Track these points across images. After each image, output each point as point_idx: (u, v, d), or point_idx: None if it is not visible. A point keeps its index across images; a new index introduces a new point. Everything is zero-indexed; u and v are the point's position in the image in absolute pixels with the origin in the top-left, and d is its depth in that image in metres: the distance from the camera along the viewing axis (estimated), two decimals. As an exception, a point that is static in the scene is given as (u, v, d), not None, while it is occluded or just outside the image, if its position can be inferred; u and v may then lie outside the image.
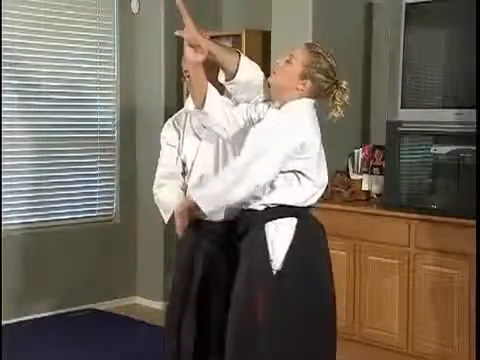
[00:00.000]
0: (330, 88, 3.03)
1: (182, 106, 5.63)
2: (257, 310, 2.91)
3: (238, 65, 3.08)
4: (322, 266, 3.09)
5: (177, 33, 2.99)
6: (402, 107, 4.45)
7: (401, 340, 4.42)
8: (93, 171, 5.74)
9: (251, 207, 2.99)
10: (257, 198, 2.95)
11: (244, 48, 5.25)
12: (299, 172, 2.93)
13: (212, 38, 5.53)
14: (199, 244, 3.36)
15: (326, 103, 3.12)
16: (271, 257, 2.91)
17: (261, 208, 2.97)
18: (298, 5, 4.88)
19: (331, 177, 4.96)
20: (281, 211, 2.95)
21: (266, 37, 5.18)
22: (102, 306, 5.71)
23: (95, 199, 5.77)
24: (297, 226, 2.95)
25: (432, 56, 4.44)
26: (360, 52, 5.17)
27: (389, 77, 4.58)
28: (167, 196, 3.48)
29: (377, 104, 5.13)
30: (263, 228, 2.95)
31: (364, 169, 4.92)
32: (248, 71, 3.12)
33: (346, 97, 3.08)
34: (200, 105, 3.05)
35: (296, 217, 2.96)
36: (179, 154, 3.48)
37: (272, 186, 2.94)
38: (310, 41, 3.17)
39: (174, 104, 5.74)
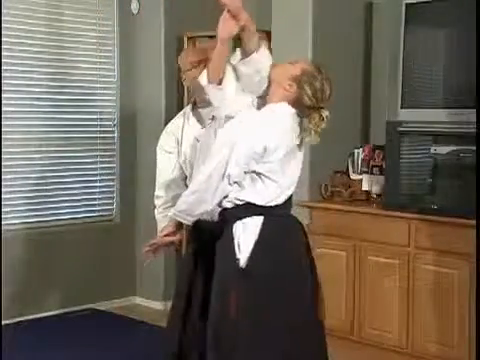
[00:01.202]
0: (311, 108, 3.06)
1: (182, 106, 5.66)
2: (230, 310, 2.95)
3: (259, 49, 3.15)
4: (295, 262, 3.09)
5: None
6: (402, 107, 4.45)
7: (401, 340, 4.42)
8: (93, 171, 5.74)
9: (223, 205, 3.06)
10: (226, 196, 3.03)
11: (244, 48, 5.24)
12: (261, 174, 2.99)
13: (211, 38, 5.57)
14: (201, 245, 3.37)
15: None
16: (238, 256, 2.97)
17: (230, 206, 3.04)
18: (298, 5, 4.88)
19: (331, 177, 4.98)
20: (249, 210, 3.01)
21: (266, 37, 5.16)
22: (102, 306, 5.70)
23: (95, 199, 5.77)
24: (263, 224, 3.00)
25: (432, 56, 4.44)
26: (360, 52, 5.17)
27: (389, 77, 4.58)
28: (159, 213, 3.66)
29: (377, 104, 5.13)
30: (232, 227, 3.02)
31: (364, 169, 4.92)
32: (264, 59, 3.16)
33: (322, 125, 3.11)
34: (216, 81, 3.08)
35: (263, 215, 3.01)
36: (178, 157, 3.51)
37: (240, 185, 3.01)
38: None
39: (174, 104, 5.74)
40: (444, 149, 4.32)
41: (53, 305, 5.46)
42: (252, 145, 2.96)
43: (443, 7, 4.30)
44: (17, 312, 5.24)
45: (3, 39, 5.11)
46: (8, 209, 5.23)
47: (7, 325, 5.06)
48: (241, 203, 3.02)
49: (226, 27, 3.07)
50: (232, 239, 3.01)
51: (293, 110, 3.07)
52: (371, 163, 4.90)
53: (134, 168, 5.91)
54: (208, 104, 3.25)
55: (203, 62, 3.34)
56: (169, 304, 5.60)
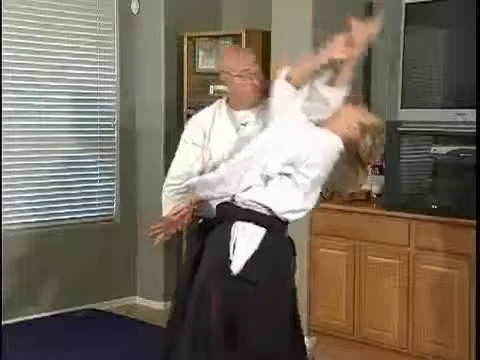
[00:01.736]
0: (358, 158, 3.24)
1: (182, 106, 5.66)
2: (211, 309, 2.94)
3: (344, 87, 3.31)
4: (285, 282, 3.16)
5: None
6: (402, 107, 4.46)
7: (401, 340, 4.42)
8: (93, 171, 5.73)
9: (227, 200, 3.07)
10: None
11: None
12: (295, 181, 3.01)
13: (212, 38, 5.57)
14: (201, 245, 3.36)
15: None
16: (231, 257, 2.96)
17: (237, 203, 3.04)
18: (298, 5, 4.88)
19: (331, 177, 4.97)
20: (255, 215, 3.01)
21: (266, 37, 5.17)
22: (102, 306, 5.70)
23: (95, 199, 5.77)
24: (265, 236, 3.00)
25: (432, 56, 4.44)
26: (360, 52, 5.16)
27: (389, 77, 4.59)
28: (168, 197, 3.55)
29: (377, 104, 5.12)
30: (231, 226, 3.00)
31: (364, 169, 4.91)
32: (339, 96, 3.28)
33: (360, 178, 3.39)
34: (293, 84, 3.15)
35: (266, 228, 3.00)
36: (203, 151, 3.48)
37: (264, 185, 3.02)
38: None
39: (174, 103, 5.74)
40: (444, 149, 4.32)
41: (53, 305, 5.46)
42: (300, 150, 2.99)
43: (443, 7, 4.30)
44: (17, 312, 5.24)
45: (3, 39, 5.11)
46: (8, 209, 5.24)
47: (7, 325, 5.06)
48: (250, 205, 3.01)
49: (337, 50, 3.15)
50: (228, 238, 2.99)
51: (342, 147, 3.10)
52: (371, 163, 4.90)
53: (134, 168, 5.91)
54: (262, 99, 3.35)
55: (251, 73, 3.44)
56: (169, 304, 5.64)
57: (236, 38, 5.37)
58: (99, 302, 5.71)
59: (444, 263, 4.22)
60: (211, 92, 5.58)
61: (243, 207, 3.03)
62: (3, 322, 4.99)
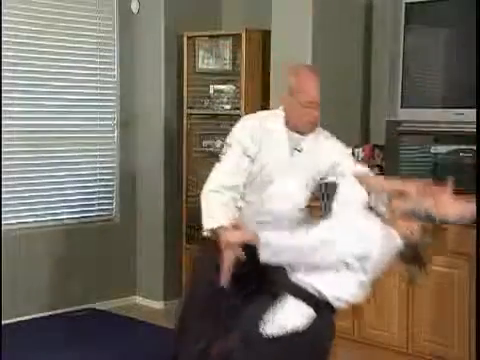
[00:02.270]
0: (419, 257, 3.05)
1: (182, 106, 5.66)
2: None
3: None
4: None
5: None
6: (402, 107, 4.45)
7: (401, 340, 4.41)
8: (93, 171, 5.73)
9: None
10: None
11: (244, 48, 5.25)
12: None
13: (210, 38, 5.55)
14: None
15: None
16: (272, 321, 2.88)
17: (287, 272, 2.94)
18: (298, 5, 4.88)
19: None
20: (305, 294, 2.91)
21: (266, 37, 5.17)
22: (102, 306, 5.70)
23: (94, 199, 5.77)
24: (314, 320, 2.91)
25: (432, 56, 4.43)
26: (360, 51, 5.17)
27: (389, 76, 4.58)
28: (221, 204, 3.25)
29: (377, 104, 5.13)
30: (280, 298, 2.91)
31: (364, 169, 4.91)
32: None
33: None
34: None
35: (315, 311, 2.92)
36: (252, 162, 3.35)
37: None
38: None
39: (174, 103, 5.74)
40: (444, 148, 4.32)
41: (53, 305, 5.46)
42: (373, 245, 2.90)
43: (443, 7, 4.30)
44: (17, 312, 5.24)
45: (4, 39, 5.11)
46: (7, 209, 5.23)
47: (7, 325, 5.06)
48: (300, 282, 2.92)
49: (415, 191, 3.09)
50: (276, 306, 2.91)
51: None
52: (371, 162, 4.89)
53: (134, 168, 5.91)
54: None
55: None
56: (169, 304, 5.65)
57: (236, 38, 5.36)
58: (99, 302, 5.71)
59: (444, 263, 4.21)
60: (211, 92, 5.58)
61: (293, 280, 2.92)
62: (3, 322, 5.00)
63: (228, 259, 2.97)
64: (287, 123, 3.40)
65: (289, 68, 3.48)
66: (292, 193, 3.42)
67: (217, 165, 3.36)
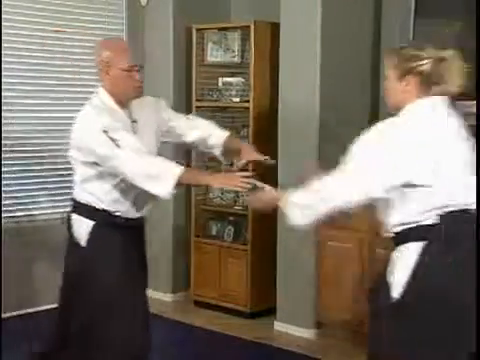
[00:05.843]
0: (434, 66, 2.68)
1: (190, 98, 5.66)
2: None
3: None
4: None
5: None
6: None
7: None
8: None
9: None
10: None
11: (253, 40, 5.24)
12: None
13: (220, 30, 5.54)
14: None
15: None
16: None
17: None
18: (307, -4, 4.87)
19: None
20: None
21: (275, 29, 5.16)
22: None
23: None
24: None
25: (440, 46, 4.40)
26: (369, 43, 5.15)
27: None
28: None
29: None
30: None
31: (373, 161, 4.90)
32: None
33: (457, 65, 2.71)
34: None
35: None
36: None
37: None
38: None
39: (183, 96, 5.74)
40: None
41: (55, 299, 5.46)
42: None
43: (452, -1, 4.29)
44: (21, 305, 5.26)
45: (9, 31, 5.12)
46: (12, 202, 5.25)
47: (12, 317, 5.09)
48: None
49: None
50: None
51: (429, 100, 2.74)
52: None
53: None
54: None
55: None
56: (177, 296, 5.65)
57: (245, 30, 5.35)
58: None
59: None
60: (220, 84, 5.57)
61: None
62: (8, 314, 5.02)
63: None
64: (118, 101, 3.36)
65: (97, 47, 3.50)
66: None
67: (123, 148, 3.22)
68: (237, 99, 5.46)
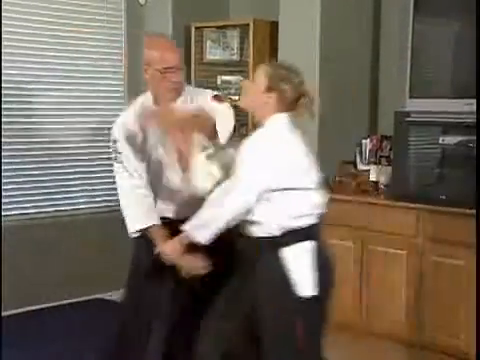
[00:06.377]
0: (296, 98, 3.02)
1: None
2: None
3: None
4: None
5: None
6: (410, 97, 4.43)
7: (409, 331, 4.41)
8: (102, 161, 5.72)
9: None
10: None
11: (251, 38, 5.24)
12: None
13: (219, 28, 5.53)
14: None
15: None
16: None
17: None
18: (306, -5, 4.87)
19: (339, 168, 4.97)
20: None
21: (274, 27, 5.16)
22: (109, 296, 5.71)
23: (102, 189, 5.77)
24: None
25: (441, 45, 4.42)
26: (369, 41, 5.15)
27: (397, 66, 4.57)
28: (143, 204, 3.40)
29: (385, 94, 5.11)
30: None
31: (372, 160, 4.91)
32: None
33: (313, 106, 3.06)
34: None
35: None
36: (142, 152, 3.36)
37: None
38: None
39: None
40: (452, 139, 4.30)
41: (59, 295, 5.47)
42: None
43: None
44: (23, 302, 5.25)
45: (8, 29, 5.11)
46: (13, 199, 5.25)
47: (13, 315, 5.08)
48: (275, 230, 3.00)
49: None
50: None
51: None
52: (379, 153, 4.89)
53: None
54: None
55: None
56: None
57: (244, 28, 5.35)
58: (105, 292, 5.72)
59: (452, 254, 4.21)
60: (219, 82, 5.57)
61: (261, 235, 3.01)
62: (9, 312, 5.02)
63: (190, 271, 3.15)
64: (155, 100, 3.35)
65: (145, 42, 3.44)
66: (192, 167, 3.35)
67: (117, 171, 3.35)
68: (236, 97, 5.45)
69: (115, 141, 3.34)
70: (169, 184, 3.36)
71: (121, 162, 3.32)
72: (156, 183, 3.36)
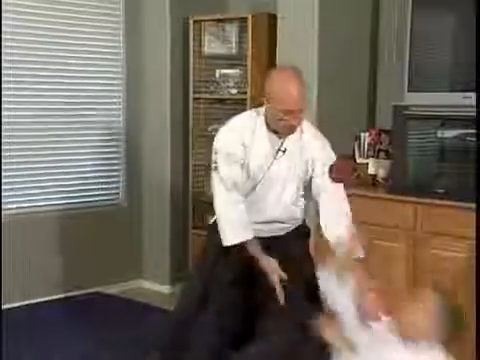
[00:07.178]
0: None
1: (188, 90, 5.65)
2: None
3: None
4: None
5: None
6: (409, 90, 4.43)
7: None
8: (99, 155, 5.73)
9: None
10: None
11: (250, 32, 5.23)
12: None
13: (218, 21, 5.51)
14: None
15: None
16: None
17: None
18: (304, -12, 4.85)
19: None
20: None
21: (273, 20, 5.15)
22: (108, 289, 5.72)
23: (100, 183, 5.77)
24: None
25: (440, 39, 4.41)
26: (367, 34, 5.14)
27: (396, 60, 4.56)
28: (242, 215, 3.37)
29: (384, 87, 5.10)
30: None
31: (370, 153, 4.91)
32: None
33: None
34: None
35: None
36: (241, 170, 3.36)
37: None
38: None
39: (180, 88, 5.73)
40: (451, 133, 4.30)
41: (60, 289, 5.48)
42: None
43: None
44: (23, 296, 5.26)
45: (7, 22, 5.10)
46: (14, 192, 5.25)
47: (13, 308, 5.08)
48: None
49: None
50: None
51: None
52: (377, 147, 4.88)
53: (140, 151, 5.91)
54: None
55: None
56: (175, 288, 5.66)
57: (242, 22, 5.34)
58: (105, 286, 5.73)
59: (451, 247, 4.21)
60: (217, 76, 5.57)
61: None
62: (9, 305, 5.02)
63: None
64: (268, 125, 3.35)
65: (270, 74, 3.37)
66: (281, 196, 3.42)
67: (218, 177, 3.34)
68: (234, 91, 5.45)
69: (216, 152, 3.33)
70: (265, 206, 3.41)
71: (219, 173, 3.31)
72: (251, 202, 3.38)
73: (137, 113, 5.88)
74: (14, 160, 5.25)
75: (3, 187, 5.14)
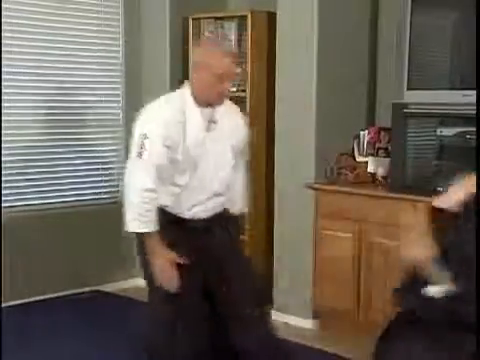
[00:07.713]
0: None
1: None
2: None
3: None
4: None
5: None
6: (408, 89, 4.42)
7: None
8: (98, 154, 5.73)
9: None
10: None
11: (250, 30, 5.22)
12: None
13: (217, 19, 5.51)
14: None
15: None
16: None
17: None
18: (304, -15, 4.85)
19: (337, 159, 4.96)
20: None
21: (272, 18, 5.14)
22: (107, 288, 5.72)
23: (100, 181, 5.77)
24: None
25: (439, 37, 4.41)
26: (366, 32, 5.13)
27: (395, 58, 4.56)
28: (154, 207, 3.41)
29: (383, 85, 5.10)
30: None
31: (370, 151, 4.90)
32: None
33: None
34: None
35: None
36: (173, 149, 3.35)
37: None
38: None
39: (179, 86, 5.71)
40: (450, 131, 4.30)
41: (58, 287, 5.48)
42: None
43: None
44: (21, 294, 5.25)
45: (8, 20, 5.10)
46: (13, 191, 5.25)
47: (11, 306, 5.08)
48: None
49: None
50: None
51: None
52: (377, 145, 4.88)
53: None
54: None
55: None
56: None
57: (242, 20, 5.33)
58: (104, 284, 5.72)
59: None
60: (216, 74, 5.55)
61: None
62: (7, 303, 5.01)
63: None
64: (195, 98, 3.38)
65: (196, 46, 3.46)
66: (220, 168, 3.45)
67: (134, 166, 3.33)
68: (234, 89, 5.44)
69: (145, 137, 3.29)
70: (202, 184, 3.41)
71: (143, 159, 3.27)
72: (189, 182, 3.38)
73: (137, 111, 5.85)
74: (12, 158, 5.24)
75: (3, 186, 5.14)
